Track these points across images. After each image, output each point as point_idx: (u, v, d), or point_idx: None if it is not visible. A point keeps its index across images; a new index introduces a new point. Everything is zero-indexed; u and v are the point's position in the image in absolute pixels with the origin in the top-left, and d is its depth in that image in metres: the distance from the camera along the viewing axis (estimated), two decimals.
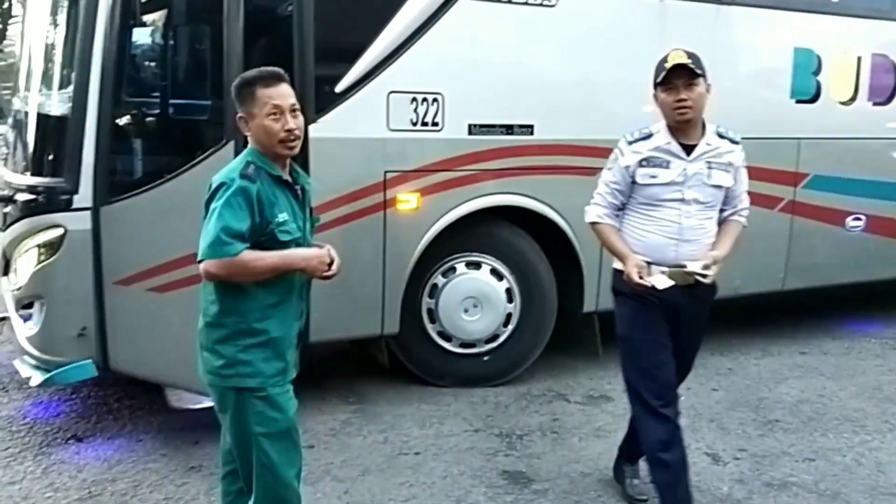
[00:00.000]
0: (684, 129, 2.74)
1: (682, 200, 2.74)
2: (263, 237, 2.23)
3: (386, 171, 3.93)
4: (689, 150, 2.74)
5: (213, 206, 2.21)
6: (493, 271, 4.35)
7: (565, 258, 4.44)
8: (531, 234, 4.40)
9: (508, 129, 4.15)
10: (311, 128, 3.66)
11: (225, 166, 2.33)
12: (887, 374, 4.77)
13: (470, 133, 4.07)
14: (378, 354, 4.34)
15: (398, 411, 4.07)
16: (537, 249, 4.43)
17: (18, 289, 3.62)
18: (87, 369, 3.46)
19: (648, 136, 2.79)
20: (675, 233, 2.76)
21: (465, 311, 4.30)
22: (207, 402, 3.05)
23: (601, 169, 4.34)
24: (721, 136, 2.80)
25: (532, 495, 3.25)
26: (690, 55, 2.68)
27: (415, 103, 3.92)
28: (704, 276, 2.68)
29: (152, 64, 3.88)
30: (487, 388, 4.37)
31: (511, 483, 3.35)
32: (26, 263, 3.54)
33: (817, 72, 4.95)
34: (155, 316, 3.48)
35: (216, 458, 2.42)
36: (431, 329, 4.33)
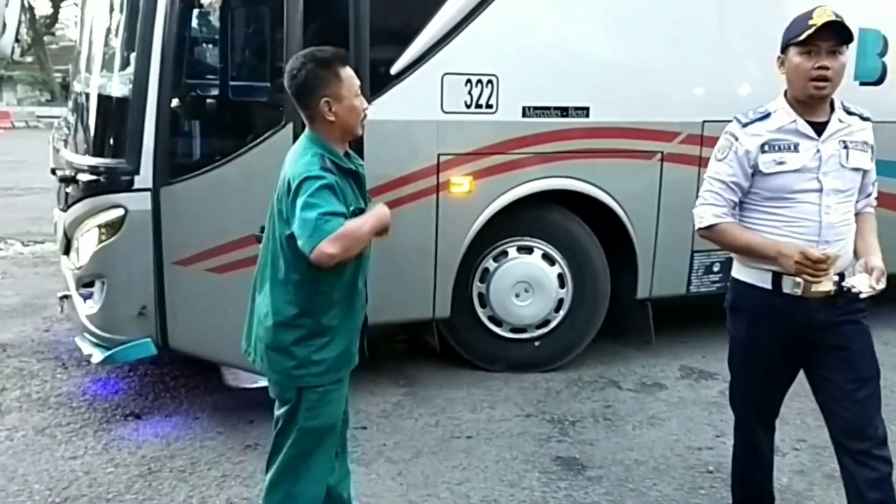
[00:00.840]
0: (814, 104, 2.31)
1: (819, 191, 2.28)
2: None
3: (439, 154, 3.91)
4: (818, 129, 2.31)
5: (300, 200, 2.08)
6: (545, 256, 4.31)
7: (619, 244, 4.38)
8: (584, 218, 4.35)
9: (563, 111, 4.08)
10: None
11: (287, 151, 2.27)
12: None
13: (524, 115, 4.02)
14: (429, 338, 4.34)
15: (449, 395, 4.07)
16: (590, 234, 4.37)
17: (79, 268, 3.70)
18: (146, 347, 3.53)
19: (766, 116, 2.35)
20: (814, 233, 2.29)
21: (517, 295, 4.28)
22: (263, 382, 3.06)
23: (658, 153, 4.33)
24: (849, 112, 2.38)
25: (586, 482, 3.23)
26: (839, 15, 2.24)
27: (469, 85, 3.88)
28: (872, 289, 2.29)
29: (212, 46, 3.92)
30: (538, 373, 4.34)
31: (565, 469, 3.33)
32: (87, 243, 3.60)
33: (883, 53, 4.77)
34: (213, 296, 3.52)
35: (271, 436, 2.45)
36: (482, 313, 4.31)
